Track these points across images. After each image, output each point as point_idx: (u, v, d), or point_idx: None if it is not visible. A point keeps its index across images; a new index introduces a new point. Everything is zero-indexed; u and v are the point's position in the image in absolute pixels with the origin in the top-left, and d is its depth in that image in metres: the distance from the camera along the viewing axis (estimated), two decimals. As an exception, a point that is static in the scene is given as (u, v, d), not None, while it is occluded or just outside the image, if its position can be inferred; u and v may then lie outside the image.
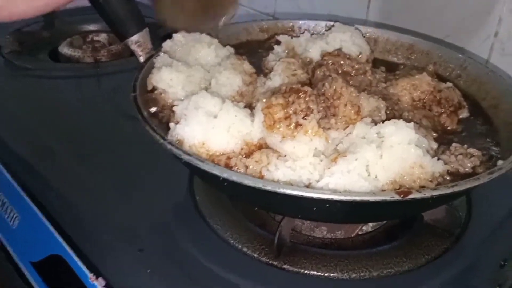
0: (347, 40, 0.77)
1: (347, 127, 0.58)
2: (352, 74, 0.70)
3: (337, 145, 0.56)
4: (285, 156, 0.55)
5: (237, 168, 0.54)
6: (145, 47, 0.70)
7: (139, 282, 0.59)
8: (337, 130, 0.57)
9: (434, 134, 0.63)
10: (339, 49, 0.75)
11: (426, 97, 0.68)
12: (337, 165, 0.52)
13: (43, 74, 1.08)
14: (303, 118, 0.55)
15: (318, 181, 0.52)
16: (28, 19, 1.32)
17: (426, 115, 0.65)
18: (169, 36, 1.22)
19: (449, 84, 0.71)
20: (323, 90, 0.60)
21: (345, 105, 0.58)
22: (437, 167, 0.54)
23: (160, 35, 1.22)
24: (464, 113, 0.68)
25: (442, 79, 0.75)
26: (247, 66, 0.71)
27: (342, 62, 0.71)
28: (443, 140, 0.63)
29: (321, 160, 0.54)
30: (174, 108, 0.61)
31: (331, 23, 0.85)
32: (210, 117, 0.57)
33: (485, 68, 0.74)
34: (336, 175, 0.51)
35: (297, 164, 0.54)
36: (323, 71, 0.68)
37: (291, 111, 0.55)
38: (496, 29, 0.85)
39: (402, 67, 0.79)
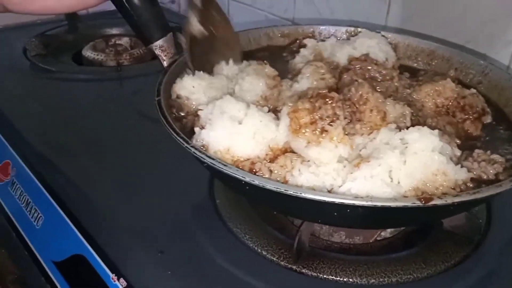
0: (374, 46, 0.78)
1: (371, 132, 0.58)
2: (379, 80, 0.70)
3: (360, 150, 0.56)
4: (309, 161, 0.55)
5: (262, 173, 0.55)
6: (169, 51, 0.71)
7: (159, 283, 0.60)
8: (362, 135, 0.57)
9: (458, 141, 0.62)
10: (366, 54, 0.76)
11: (450, 103, 0.68)
12: (360, 170, 0.52)
13: (66, 77, 1.11)
14: (329, 124, 0.55)
15: (340, 186, 0.52)
16: (53, 22, 1.36)
17: (450, 122, 0.65)
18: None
19: (472, 90, 0.70)
20: (349, 95, 0.60)
21: (371, 110, 0.58)
22: (460, 174, 0.54)
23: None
24: (487, 119, 0.68)
25: (463, 85, 0.74)
26: (269, 70, 0.71)
27: (369, 67, 0.71)
28: (466, 146, 0.63)
29: (344, 166, 0.54)
30: (199, 112, 0.61)
31: (352, 28, 0.86)
32: (235, 122, 0.57)
33: (507, 74, 0.73)
34: (358, 180, 0.51)
35: (320, 170, 0.54)
36: (350, 75, 0.69)
37: (317, 117, 0.56)
38: (517, 35, 0.85)
39: (423, 73, 0.79)
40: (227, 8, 1.43)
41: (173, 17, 1.44)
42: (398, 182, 0.52)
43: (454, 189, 0.53)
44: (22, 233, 0.78)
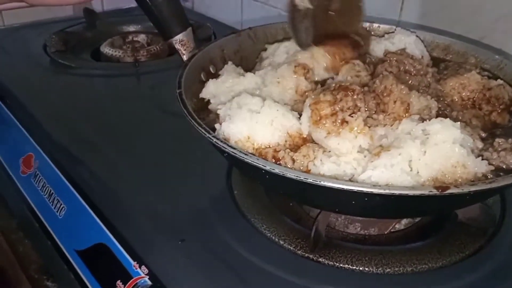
0: (412, 43, 0.78)
1: (394, 123, 0.59)
2: (413, 74, 0.71)
3: (381, 141, 0.57)
4: (330, 151, 0.56)
5: (285, 161, 0.56)
6: (188, 46, 0.73)
7: (180, 271, 0.62)
8: (384, 126, 0.58)
9: (483, 134, 0.62)
10: (403, 49, 0.76)
11: (476, 96, 0.68)
12: (380, 159, 0.53)
13: (85, 73, 1.13)
14: (349, 115, 0.56)
15: (360, 175, 0.53)
16: (71, 19, 1.39)
17: (476, 115, 0.65)
18: (208, 38, 1.26)
19: (499, 81, 0.70)
20: (374, 87, 0.61)
21: (394, 102, 0.59)
22: (480, 167, 0.54)
23: (199, 36, 1.27)
24: None
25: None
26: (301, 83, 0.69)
27: (405, 61, 0.72)
28: (492, 133, 0.63)
29: (365, 156, 0.55)
30: (218, 111, 0.63)
31: (367, 24, 0.87)
32: (253, 113, 0.59)
33: (523, 69, 0.74)
34: (379, 169, 0.52)
35: (341, 160, 0.55)
36: (384, 67, 0.70)
37: (338, 108, 0.57)
38: (532, 30, 0.85)
39: (443, 65, 0.78)
40: (241, 5, 1.45)
41: (187, 14, 1.47)
42: (418, 172, 0.53)
43: (472, 181, 0.53)
44: (45, 223, 0.81)
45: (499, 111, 0.67)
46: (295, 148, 0.59)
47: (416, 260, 0.62)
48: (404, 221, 0.71)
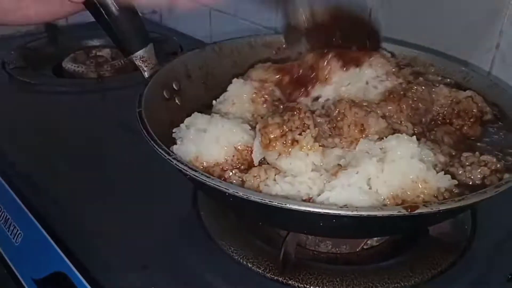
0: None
1: (351, 145, 0.58)
2: None
3: (340, 161, 0.57)
4: (285, 172, 0.55)
5: (231, 181, 0.56)
6: (150, 62, 0.70)
7: (143, 299, 0.59)
8: (342, 148, 0.58)
9: (453, 152, 0.61)
10: None
11: (445, 111, 0.67)
12: (337, 179, 0.52)
13: (47, 90, 1.09)
14: (299, 134, 0.56)
15: (318, 195, 0.52)
16: (32, 34, 1.35)
17: (448, 131, 0.64)
18: (174, 52, 1.24)
19: (468, 93, 0.70)
20: (329, 112, 0.61)
21: (349, 126, 0.59)
22: (443, 182, 0.54)
23: (166, 50, 1.24)
24: (488, 117, 0.68)
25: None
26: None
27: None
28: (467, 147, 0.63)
29: (321, 175, 0.54)
30: (173, 135, 0.63)
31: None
32: (200, 132, 0.60)
33: (488, 81, 0.74)
34: (336, 189, 0.51)
35: (296, 180, 0.54)
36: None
37: (286, 129, 0.56)
38: (497, 41, 0.86)
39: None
40: (209, 19, 1.43)
41: (154, 28, 1.45)
42: (377, 190, 0.52)
43: (436, 196, 0.53)
44: (1, 250, 0.76)
45: (470, 124, 0.66)
46: (245, 163, 0.59)
47: (388, 279, 0.61)
48: (377, 237, 0.70)
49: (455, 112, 0.67)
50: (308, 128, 0.57)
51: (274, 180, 0.55)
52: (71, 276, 0.64)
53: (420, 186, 0.52)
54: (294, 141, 0.55)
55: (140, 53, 0.69)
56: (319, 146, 0.56)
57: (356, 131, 0.59)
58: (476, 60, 0.89)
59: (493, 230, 0.69)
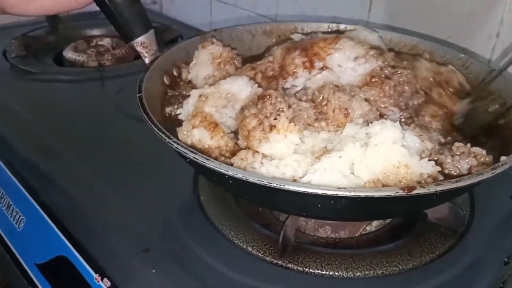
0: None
1: (338, 130, 0.59)
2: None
3: (326, 146, 0.57)
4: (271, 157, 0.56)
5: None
6: (150, 48, 0.70)
7: (144, 282, 0.59)
8: (328, 132, 0.59)
9: (442, 139, 0.62)
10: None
11: (427, 84, 0.67)
12: (320, 162, 0.53)
13: (47, 78, 1.09)
14: (274, 119, 0.57)
15: (301, 177, 0.52)
16: (33, 23, 1.35)
17: (434, 115, 0.64)
18: (174, 39, 1.24)
19: (450, 67, 0.70)
20: (313, 98, 0.61)
21: (333, 110, 0.60)
22: (426, 168, 0.53)
23: (165, 39, 1.24)
24: (468, 99, 0.67)
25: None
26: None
27: None
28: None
29: (306, 157, 0.54)
30: (180, 117, 0.65)
31: (334, 25, 0.86)
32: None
33: (487, 67, 0.74)
34: (318, 172, 0.52)
35: (281, 162, 0.55)
36: None
37: (262, 117, 0.57)
38: (498, 30, 0.86)
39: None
40: (210, 8, 1.43)
41: (155, 17, 1.45)
42: (358, 174, 0.52)
43: (419, 182, 0.52)
44: (4, 236, 0.77)
45: (449, 94, 0.66)
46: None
47: (387, 262, 0.61)
48: (375, 223, 0.71)
49: (436, 81, 0.67)
50: (282, 111, 0.57)
51: (261, 163, 0.55)
52: (73, 260, 0.65)
53: (401, 171, 0.52)
54: (272, 126, 0.56)
55: (141, 39, 0.69)
56: (295, 126, 0.57)
57: (340, 115, 0.60)
58: (476, 49, 0.89)
59: (490, 215, 0.69)
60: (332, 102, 0.60)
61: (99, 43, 1.26)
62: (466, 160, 0.56)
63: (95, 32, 1.34)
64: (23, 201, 0.76)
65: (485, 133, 0.65)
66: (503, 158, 0.53)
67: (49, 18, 1.33)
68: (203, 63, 0.74)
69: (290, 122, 0.57)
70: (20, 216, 0.76)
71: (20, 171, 0.80)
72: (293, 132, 0.56)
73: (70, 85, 1.09)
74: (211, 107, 0.63)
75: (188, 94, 0.67)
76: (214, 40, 0.76)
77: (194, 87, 0.72)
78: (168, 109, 0.68)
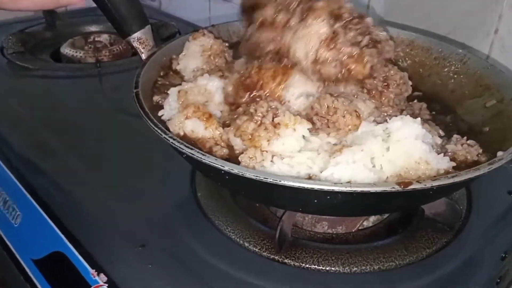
0: None
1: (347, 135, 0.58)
2: None
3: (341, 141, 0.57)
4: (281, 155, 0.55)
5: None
6: (147, 44, 0.70)
7: (140, 277, 0.59)
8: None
9: (441, 132, 0.62)
10: None
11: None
12: (342, 155, 0.52)
13: (45, 74, 1.09)
14: (275, 116, 0.56)
15: (321, 172, 0.52)
16: (31, 20, 1.34)
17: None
18: (172, 35, 1.24)
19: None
20: (315, 111, 0.59)
21: (343, 116, 0.58)
22: (442, 164, 0.54)
23: (163, 35, 1.24)
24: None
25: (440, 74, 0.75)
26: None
27: None
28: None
29: (319, 154, 0.54)
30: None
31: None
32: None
33: (485, 62, 0.74)
34: (341, 165, 0.51)
35: (294, 160, 0.54)
36: None
37: (259, 118, 0.56)
38: (496, 26, 0.86)
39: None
40: (209, 4, 1.42)
41: (153, 14, 1.45)
42: (381, 168, 0.52)
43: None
44: (0, 231, 0.77)
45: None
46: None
47: (383, 257, 0.61)
48: (372, 218, 0.70)
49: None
50: (276, 108, 0.57)
51: (271, 161, 0.54)
52: (69, 256, 0.64)
53: (422, 167, 0.53)
54: (276, 124, 0.55)
55: (137, 34, 0.69)
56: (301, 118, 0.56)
57: (353, 118, 0.58)
58: (475, 45, 0.89)
59: (488, 211, 0.69)
60: (340, 108, 0.59)
61: (97, 39, 1.25)
62: (474, 148, 0.57)
63: (93, 28, 1.34)
64: (19, 197, 0.76)
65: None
66: (499, 153, 0.53)
67: (47, 14, 1.33)
68: (192, 54, 0.74)
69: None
70: (16, 211, 0.75)
71: (16, 167, 0.80)
72: (302, 124, 0.56)
73: (67, 81, 1.09)
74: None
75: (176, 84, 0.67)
76: (206, 32, 0.76)
77: (182, 78, 0.72)
78: (156, 98, 0.67)
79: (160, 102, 0.66)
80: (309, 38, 0.60)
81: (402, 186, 0.46)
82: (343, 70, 0.61)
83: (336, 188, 0.46)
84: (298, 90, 0.61)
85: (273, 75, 0.62)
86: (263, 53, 0.63)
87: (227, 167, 0.49)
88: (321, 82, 0.62)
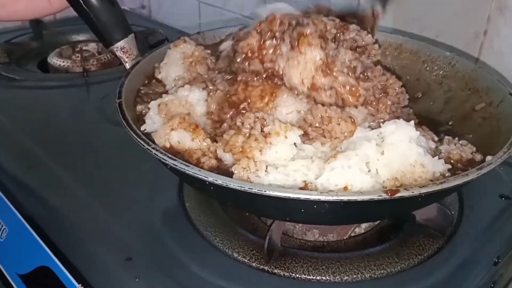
0: None
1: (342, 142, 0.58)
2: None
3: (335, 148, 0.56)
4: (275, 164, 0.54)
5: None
6: (131, 53, 0.69)
7: (128, 290, 0.58)
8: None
9: (435, 137, 0.62)
10: None
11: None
12: (337, 161, 0.51)
13: (32, 85, 1.08)
14: (262, 126, 0.56)
15: (316, 179, 0.51)
16: (17, 30, 1.33)
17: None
18: (160, 43, 1.23)
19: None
20: (309, 122, 0.59)
21: (338, 124, 0.57)
22: (437, 166, 0.53)
23: (150, 42, 1.23)
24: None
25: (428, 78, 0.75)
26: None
27: None
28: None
29: (313, 161, 0.53)
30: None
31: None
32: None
33: (473, 65, 0.73)
34: (336, 170, 0.51)
35: (289, 169, 0.53)
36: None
37: (247, 130, 0.56)
38: (485, 28, 0.85)
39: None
40: (198, 11, 1.42)
41: (143, 22, 1.44)
42: (377, 172, 0.51)
43: (432, 181, 0.52)
44: (-14, 246, 0.76)
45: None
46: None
47: (374, 265, 0.60)
48: (364, 225, 0.70)
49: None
50: (264, 119, 0.56)
51: (265, 171, 0.53)
52: (55, 271, 0.63)
53: (417, 170, 0.52)
54: (267, 134, 0.55)
55: (120, 43, 0.68)
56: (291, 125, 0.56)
57: (348, 124, 0.58)
58: (464, 47, 0.88)
59: (480, 215, 0.69)
60: (334, 116, 0.58)
61: (84, 48, 1.24)
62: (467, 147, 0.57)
63: (80, 37, 1.33)
64: (5, 211, 0.74)
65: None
66: (488, 157, 0.52)
67: (33, 24, 1.31)
68: (173, 62, 0.73)
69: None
70: (2, 226, 0.74)
71: (2, 181, 0.78)
72: (293, 130, 0.55)
73: (54, 91, 1.07)
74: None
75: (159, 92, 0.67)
76: (187, 39, 0.75)
77: (164, 86, 0.71)
78: (139, 107, 0.66)
79: (144, 111, 0.64)
80: (304, 66, 0.61)
81: (389, 194, 0.45)
82: (338, 99, 0.62)
83: (323, 197, 0.45)
84: (286, 110, 0.61)
85: (260, 95, 0.62)
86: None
87: (211, 178, 0.48)
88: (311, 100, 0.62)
